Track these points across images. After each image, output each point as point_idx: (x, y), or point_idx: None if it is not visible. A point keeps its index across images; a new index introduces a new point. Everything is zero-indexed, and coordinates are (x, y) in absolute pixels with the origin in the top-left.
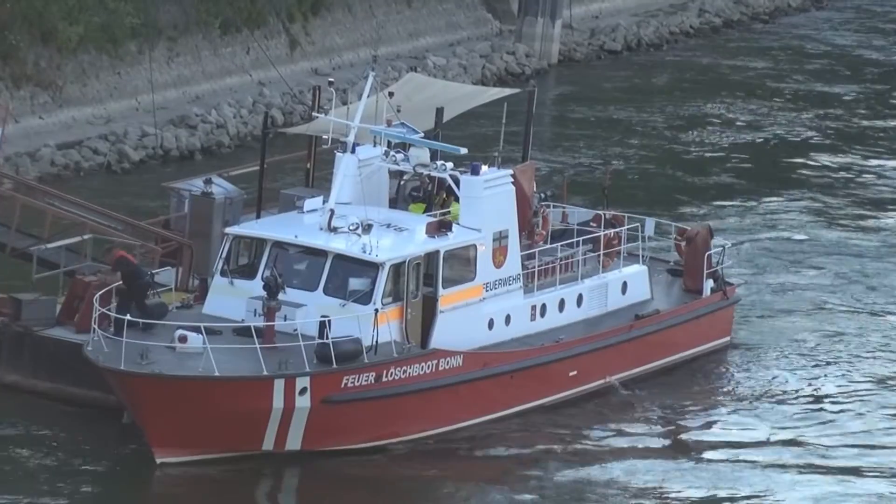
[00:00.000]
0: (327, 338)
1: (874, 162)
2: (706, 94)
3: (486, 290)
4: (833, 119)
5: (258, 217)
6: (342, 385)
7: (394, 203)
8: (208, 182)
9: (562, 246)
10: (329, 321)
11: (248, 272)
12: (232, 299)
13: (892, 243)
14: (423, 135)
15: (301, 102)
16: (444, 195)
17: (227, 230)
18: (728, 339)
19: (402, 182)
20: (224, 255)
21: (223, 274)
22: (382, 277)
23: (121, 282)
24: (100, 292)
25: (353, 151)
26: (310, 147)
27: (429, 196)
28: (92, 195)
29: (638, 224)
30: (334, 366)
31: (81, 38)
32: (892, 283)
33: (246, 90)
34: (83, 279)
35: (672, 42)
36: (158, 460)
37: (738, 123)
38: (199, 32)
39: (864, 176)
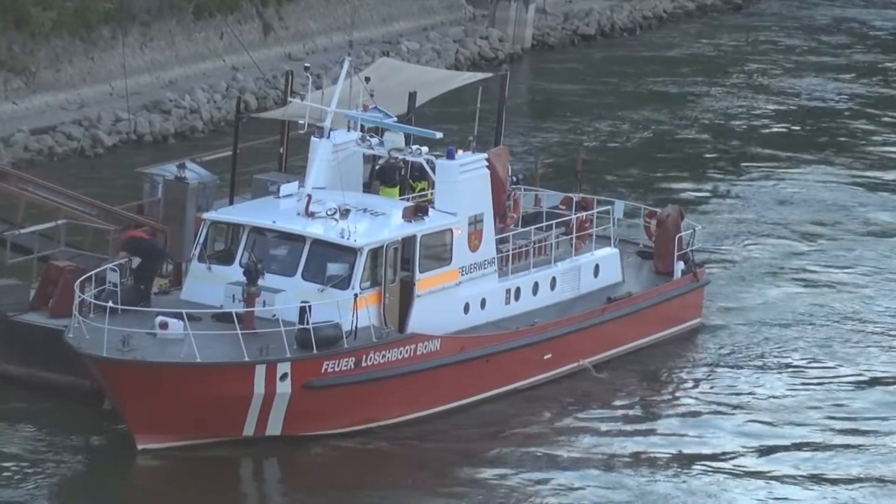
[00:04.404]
0: (308, 323)
1: (849, 143)
2: (679, 77)
3: (462, 274)
4: (806, 102)
5: (231, 202)
6: (322, 370)
7: (367, 188)
8: (182, 167)
9: (535, 229)
10: (309, 307)
11: (226, 258)
12: (210, 285)
13: (864, 223)
14: (396, 119)
15: (274, 87)
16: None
17: (205, 216)
18: (699, 320)
19: (375, 167)
20: (201, 240)
21: (201, 260)
22: (361, 262)
23: (139, 260)
24: (79, 279)
25: (328, 136)
26: (283, 132)
27: (403, 180)
28: (65, 180)
29: (608, 207)
30: (315, 351)
31: (55, 23)
32: (864, 263)
33: (219, 75)
34: (57, 264)
35: (646, 27)
36: (139, 446)
37: (710, 107)
38: (173, 17)
39: (838, 157)
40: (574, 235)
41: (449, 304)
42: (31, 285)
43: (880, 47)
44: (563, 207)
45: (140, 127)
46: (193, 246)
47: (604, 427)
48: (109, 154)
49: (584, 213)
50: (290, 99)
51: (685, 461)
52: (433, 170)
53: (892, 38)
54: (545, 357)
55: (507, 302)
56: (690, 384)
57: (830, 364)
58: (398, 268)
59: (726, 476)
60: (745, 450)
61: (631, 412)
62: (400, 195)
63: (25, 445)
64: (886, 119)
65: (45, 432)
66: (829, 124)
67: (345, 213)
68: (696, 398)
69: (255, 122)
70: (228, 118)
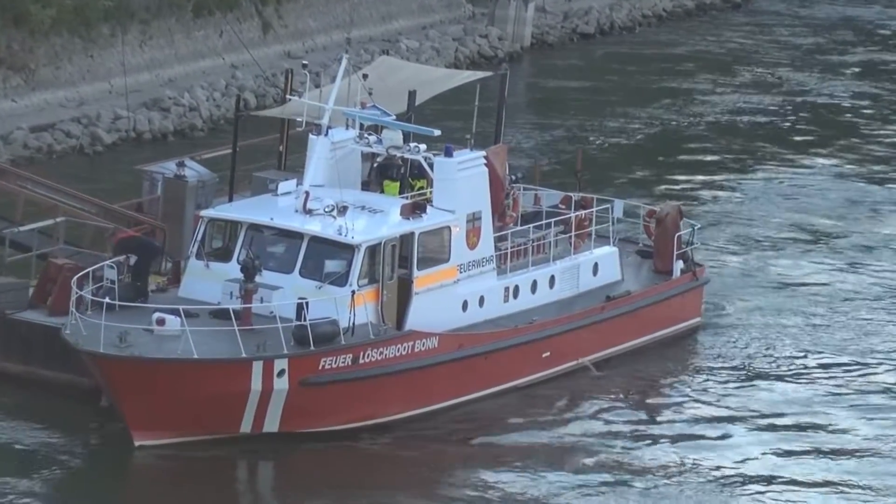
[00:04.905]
0: (305, 320)
1: (851, 140)
2: (679, 76)
3: (461, 272)
4: (806, 99)
5: (230, 200)
6: (320, 367)
7: (366, 185)
8: (181, 165)
9: (533, 228)
10: (307, 303)
11: (224, 255)
12: (208, 282)
13: (869, 221)
14: (394, 117)
15: (274, 85)
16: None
17: (203, 213)
18: (699, 319)
19: (374, 164)
20: (199, 238)
21: (198, 257)
22: (358, 259)
23: (134, 258)
24: (77, 275)
25: (326, 134)
26: (282, 130)
27: (402, 177)
28: (65, 178)
29: (607, 206)
30: (312, 348)
31: (54, 21)
32: (863, 261)
33: (219, 73)
34: (56, 262)
35: (645, 25)
36: (137, 443)
37: (711, 105)
38: (172, 15)
39: (841, 154)
40: (573, 234)
41: (447, 301)
42: (29, 283)
43: (881, 45)
44: (563, 206)
45: (139, 125)
46: (191, 243)
47: (602, 426)
48: (109, 152)
49: (584, 212)
50: (288, 97)
51: (683, 460)
52: (431, 167)
53: (894, 36)
54: (544, 355)
55: (506, 300)
56: (689, 384)
57: (834, 362)
58: (396, 265)
59: (726, 476)
60: (745, 450)
61: (629, 411)
62: (400, 193)
63: (23, 443)
64: (887, 114)
65: (42, 430)
66: (831, 122)
67: (342, 211)
68: (695, 398)
69: (254, 120)
70: (228, 116)
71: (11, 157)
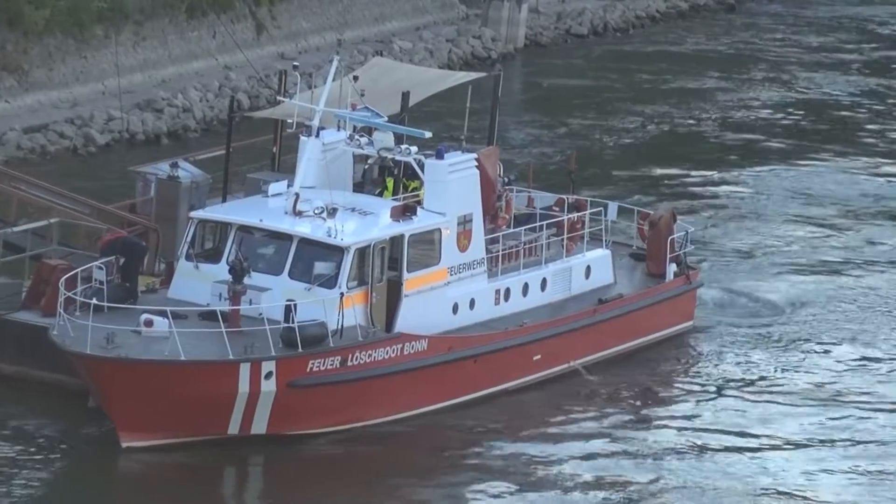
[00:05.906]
0: (293, 322)
1: (849, 141)
2: (672, 77)
3: (451, 275)
4: (803, 100)
5: (224, 201)
6: (308, 369)
7: (359, 187)
8: (174, 166)
9: (525, 230)
10: (295, 305)
11: (214, 256)
12: (197, 283)
13: (865, 222)
14: (386, 119)
15: (267, 86)
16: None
17: (192, 214)
18: (691, 323)
19: (366, 166)
20: (189, 239)
21: (188, 258)
22: (348, 261)
23: (122, 259)
24: (65, 276)
25: (317, 135)
26: (276, 131)
27: (396, 178)
28: (58, 179)
29: (601, 208)
30: (300, 350)
31: (48, 22)
32: (863, 263)
33: (212, 74)
34: (49, 263)
35: (638, 26)
36: (124, 444)
37: (707, 105)
38: (166, 16)
39: (836, 156)
40: (565, 236)
41: (437, 304)
42: (23, 284)
43: (878, 44)
44: (557, 209)
45: (133, 126)
46: (181, 244)
47: (593, 429)
48: (102, 153)
49: (576, 214)
50: (279, 98)
51: (674, 464)
52: (422, 169)
53: (892, 35)
54: (534, 358)
55: (497, 302)
56: (681, 388)
57: (824, 367)
58: (385, 267)
59: (718, 480)
60: (739, 454)
61: (620, 415)
62: (393, 194)
63: (10, 442)
64: (888, 114)
65: (30, 430)
66: (829, 122)
67: (332, 213)
68: (686, 402)
69: (248, 121)
70: (221, 117)
71: (5, 158)
